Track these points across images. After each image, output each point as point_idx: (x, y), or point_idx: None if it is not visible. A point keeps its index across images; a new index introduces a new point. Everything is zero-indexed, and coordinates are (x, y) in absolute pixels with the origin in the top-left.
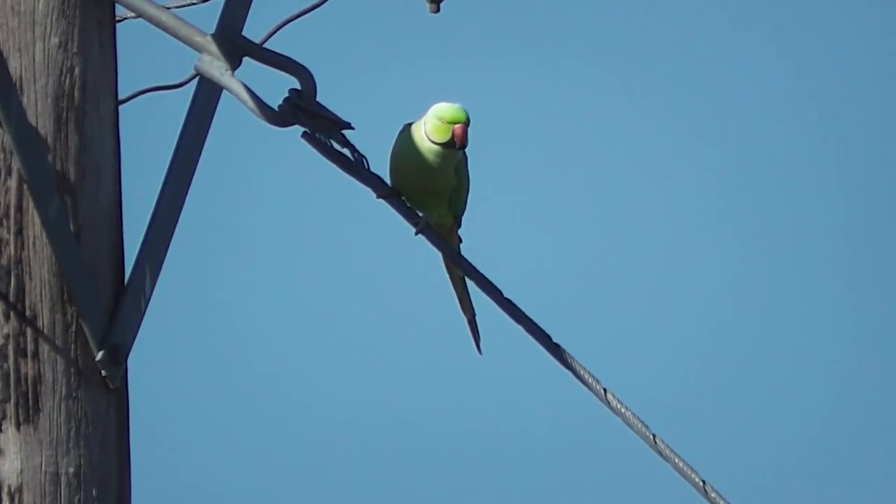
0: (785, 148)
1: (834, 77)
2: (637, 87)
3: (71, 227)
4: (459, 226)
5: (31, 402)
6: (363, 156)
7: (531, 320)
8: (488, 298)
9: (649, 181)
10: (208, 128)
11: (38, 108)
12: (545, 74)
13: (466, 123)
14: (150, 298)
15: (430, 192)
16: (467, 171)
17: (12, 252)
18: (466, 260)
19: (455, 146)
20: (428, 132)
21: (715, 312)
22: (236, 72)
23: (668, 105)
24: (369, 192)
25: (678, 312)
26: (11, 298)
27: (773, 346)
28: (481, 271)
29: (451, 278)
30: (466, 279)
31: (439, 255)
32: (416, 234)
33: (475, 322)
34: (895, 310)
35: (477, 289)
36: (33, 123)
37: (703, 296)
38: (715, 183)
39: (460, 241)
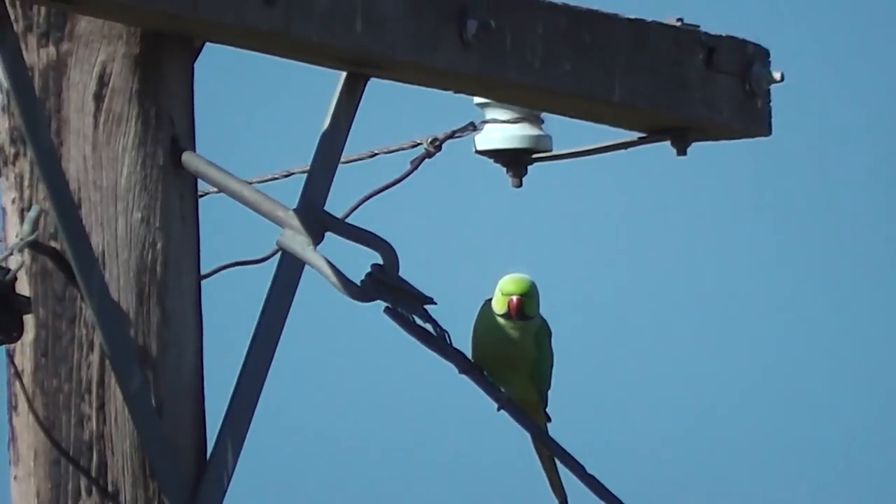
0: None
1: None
2: (719, 253)
3: (153, 401)
4: (545, 403)
5: None
6: (445, 331)
7: (617, 499)
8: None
9: (748, 357)
10: (290, 302)
11: (120, 282)
12: (631, 243)
13: (523, 294)
14: (232, 473)
15: (509, 366)
16: (550, 345)
17: (94, 427)
18: (551, 437)
19: (510, 317)
20: (494, 305)
21: None
22: (318, 246)
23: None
24: (451, 368)
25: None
26: (93, 473)
27: None
28: (566, 449)
29: (540, 457)
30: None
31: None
32: (499, 409)
33: None
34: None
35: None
36: (115, 298)
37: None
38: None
39: (548, 419)
